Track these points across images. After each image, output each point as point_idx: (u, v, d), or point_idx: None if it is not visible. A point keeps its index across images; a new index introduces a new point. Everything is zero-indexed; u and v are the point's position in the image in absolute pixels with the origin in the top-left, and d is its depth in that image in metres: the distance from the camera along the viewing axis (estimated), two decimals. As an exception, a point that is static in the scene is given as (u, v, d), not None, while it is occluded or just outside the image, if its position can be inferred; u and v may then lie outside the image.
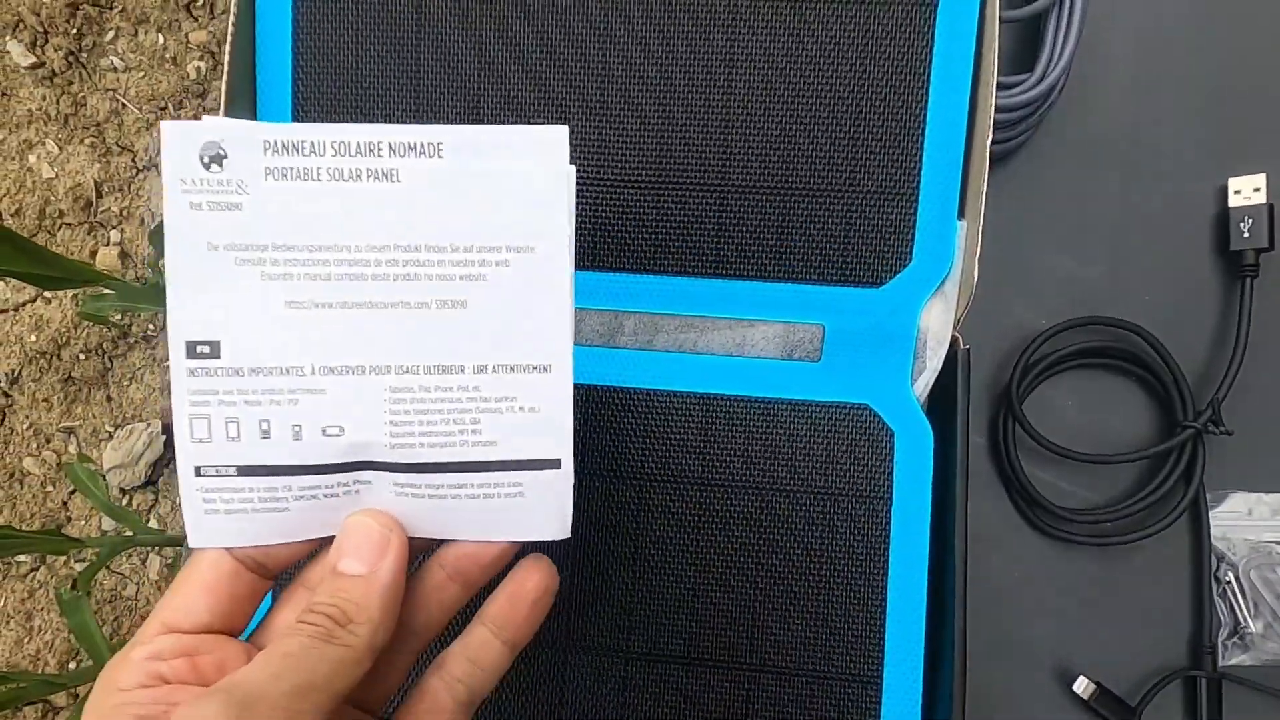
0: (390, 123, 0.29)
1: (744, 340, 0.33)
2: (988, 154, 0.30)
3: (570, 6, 0.32)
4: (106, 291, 0.88)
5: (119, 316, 0.97)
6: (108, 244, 1.04)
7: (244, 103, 0.33)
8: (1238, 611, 0.33)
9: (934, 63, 0.31)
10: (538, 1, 0.32)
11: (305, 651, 0.19)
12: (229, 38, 0.32)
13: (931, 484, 0.32)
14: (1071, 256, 0.36)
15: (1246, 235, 0.34)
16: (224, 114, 0.31)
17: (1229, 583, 0.33)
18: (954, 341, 0.32)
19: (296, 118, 0.33)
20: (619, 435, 0.33)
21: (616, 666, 0.33)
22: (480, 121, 0.33)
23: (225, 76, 0.32)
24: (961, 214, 0.31)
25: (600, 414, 0.33)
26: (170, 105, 1.02)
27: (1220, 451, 0.34)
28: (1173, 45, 0.37)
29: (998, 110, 0.34)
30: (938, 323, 0.32)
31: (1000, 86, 0.35)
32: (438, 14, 0.32)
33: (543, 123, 0.32)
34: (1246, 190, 0.35)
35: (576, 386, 0.33)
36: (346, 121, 0.33)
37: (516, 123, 0.33)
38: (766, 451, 0.33)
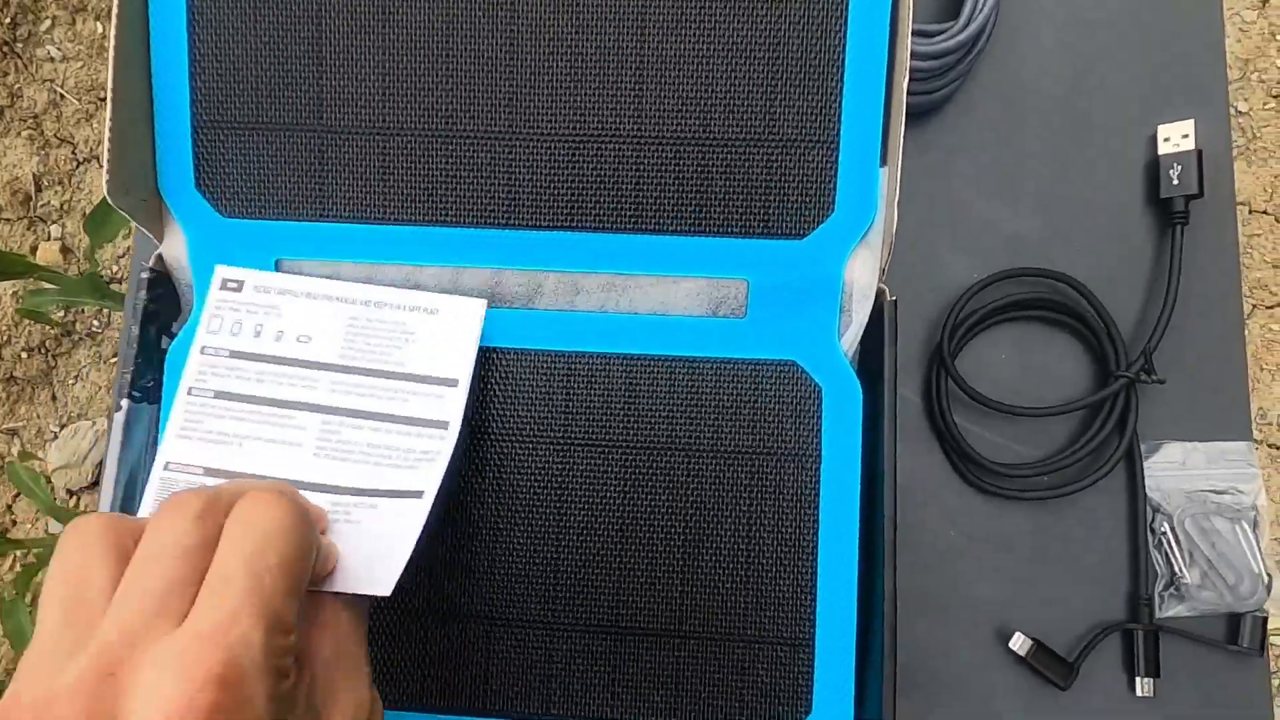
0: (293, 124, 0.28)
1: (668, 298, 0.32)
2: (905, 99, 0.29)
3: (476, -46, 0.31)
4: (48, 287, 0.85)
5: (61, 313, 0.95)
6: (48, 239, 1.01)
7: (139, 113, 0.31)
8: (1174, 562, 0.32)
9: (850, 6, 0.30)
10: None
11: None
12: (112, 44, 0.30)
13: (861, 441, 0.31)
14: (1004, 208, 0.35)
15: (1176, 182, 0.34)
16: (109, 133, 0.29)
17: (1164, 533, 0.32)
18: (880, 293, 0.31)
19: (195, 126, 0.32)
20: (540, 400, 0.32)
21: (542, 639, 0.31)
22: (389, 88, 0.32)
23: (111, 83, 0.30)
24: (884, 161, 0.31)
25: (520, 378, 0.32)
26: (111, 96, 0.99)
27: (1154, 401, 0.34)
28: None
29: (923, 58, 0.34)
30: (863, 274, 0.31)
31: (924, 34, 0.34)
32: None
33: (453, 86, 0.31)
34: (1175, 137, 0.34)
35: (498, 350, 0.32)
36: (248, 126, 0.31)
37: (420, 92, 0.31)
38: (692, 412, 0.32)
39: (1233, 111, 0.88)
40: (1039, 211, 0.35)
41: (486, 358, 0.32)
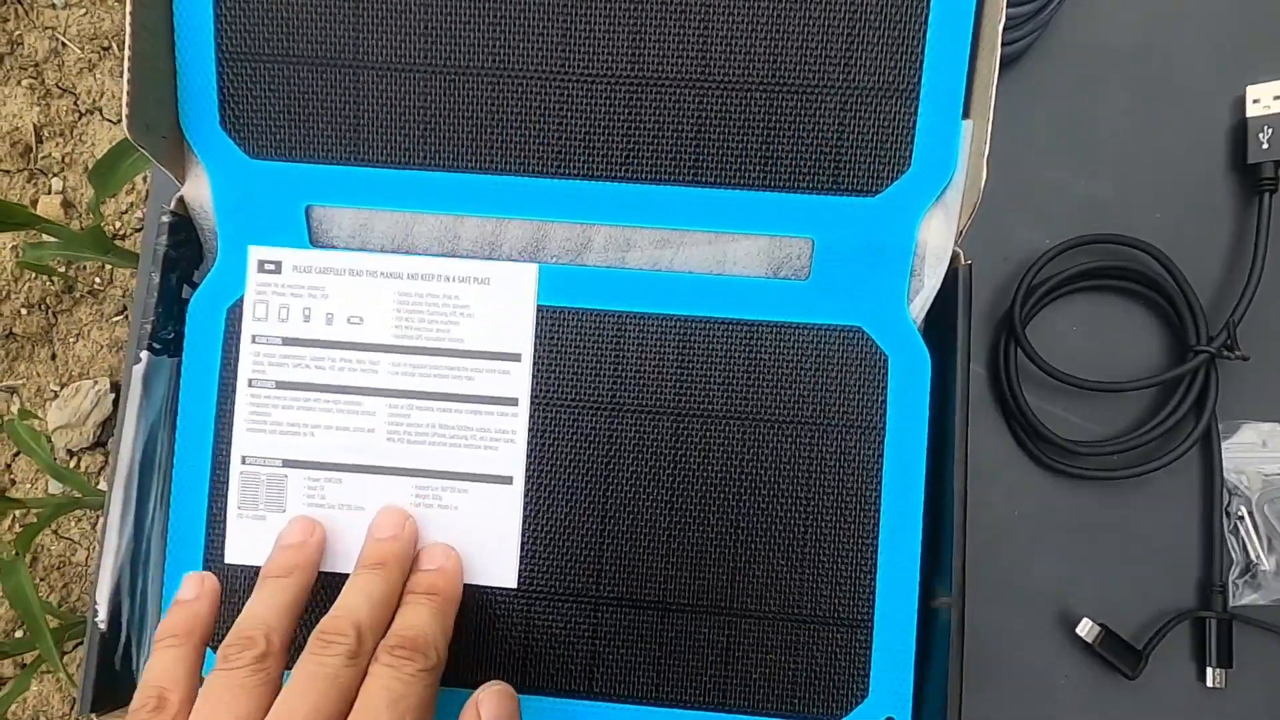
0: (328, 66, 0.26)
1: (725, 256, 0.30)
2: (998, 44, 0.27)
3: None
4: (49, 240, 0.83)
5: (63, 268, 0.92)
6: (49, 192, 0.98)
7: (161, 43, 0.29)
8: (1250, 549, 0.30)
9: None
10: None
11: None
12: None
13: (928, 414, 0.29)
14: (1079, 171, 0.33)
15: (1265, 147, 0.32)
16: (128, 63, 0.27)
17: (1241, 519, 0.30)
18: (955, 257, 0.29)
19: (220, 59, 0.29)
20: (587, 362, 0.30)
21: (586, 613, 0.30)
22: (430, 21, 0.29)
23: (130, 7, 0.27)
24: (967, 113, 0.28)
25: (567, 338, 0.30)
26: (115, 44, 0.96)
27: (1234, 379, 0.32)
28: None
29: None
30: (938, 236, 0.29)
31: (1004, -20, 0.32)
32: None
33: (501, 21, 0.29)
34: (1266, 99, 0.32)
35: (542, 308, 0.30)
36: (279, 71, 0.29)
37: (464, 26, 0.29)
38: (749, 378, 0.30)
39: None
40: (1116, 175, 0.33)
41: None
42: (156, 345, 0.30)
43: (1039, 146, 0.34)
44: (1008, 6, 0.31)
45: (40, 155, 0.95)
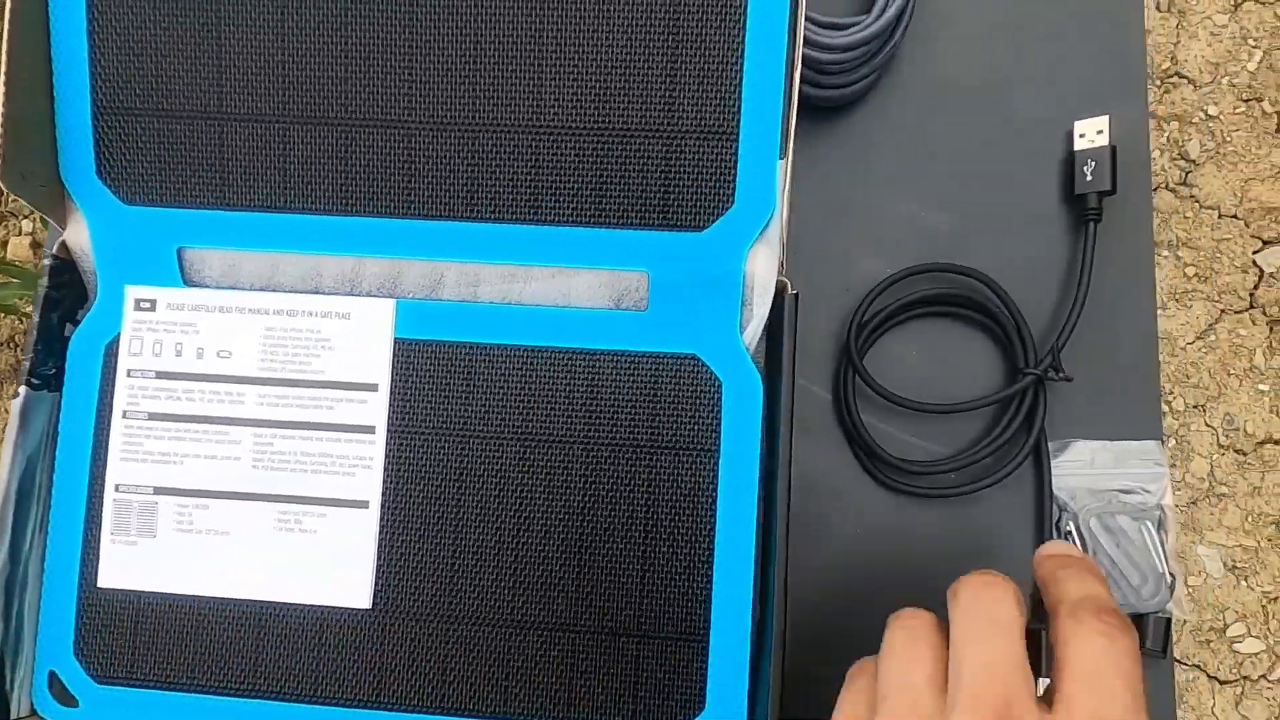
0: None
1: (568, 289, 0.32)
2: (796, 93, 0.29)
3: (376, -58, 0.31)
4: (11, 280, 0.85)
5: (29, 307, 0.95)
6: (19, 234, 1.01)
7: (39, 97, 0.31)
8: None
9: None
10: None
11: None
12: (6, 26, 0.30)
13: (760, 436, 0.31)
14: (920, 204, 0.35)
15: (1089, 179, 0.33)
16: (2, 119, 0.29)
17: (1070, 532, 0.32)
18: (781, 287, 0.31)
19: (96, 112, 0.32)
20: (441, 391, 0.32)
21: (438, 631, 0.31)
22: (290, 77, 0.31)
23: (5, 67, 0.29)
24: (784, 153, 0.30)
25: (421, 369, 0.32)
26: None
27: (1064, 400, 0.33)
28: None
29: (836, 50, 0.33)
30: (763, 268, 0.31)
31: (837, 27, 0.34)
32: (238, -49, 0.31)
33: (349, 73, 0.31)
34: (1090, 133, 0.34)
35: (398, 341, 0.32)
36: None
37: (317, 79, 0.31)
38: (591, 405, 0.31)
39: (1202, 115, 0.88)
40: (955, 208, 0.35)
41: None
42: (35, 381, 0.32)
43: (883, 181, 0.35)
44: (840, 51, 0.34)
45: (9, 199, 0.98)
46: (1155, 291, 0.34)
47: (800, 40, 0.28)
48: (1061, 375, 0.32)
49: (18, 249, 0.96)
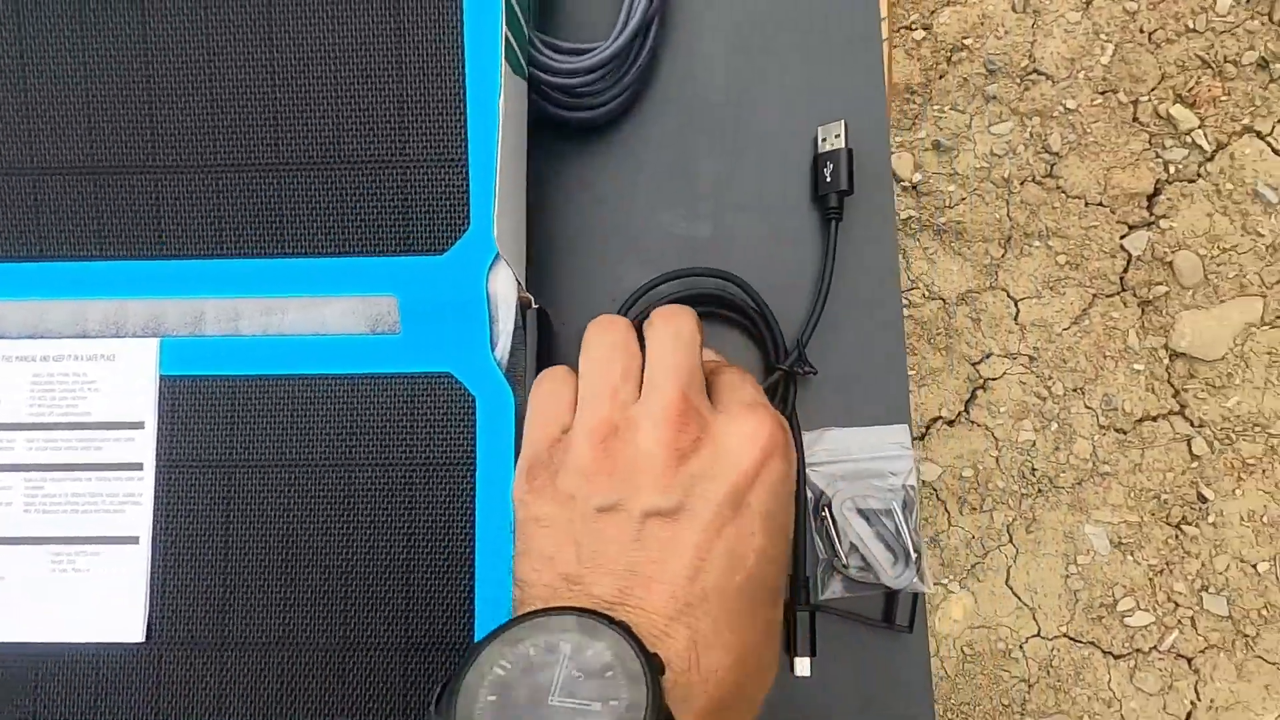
0: None
1: (324, 318, 0.33)
2: (499, 115, 0.30)
3: (112, 14, 0.32)
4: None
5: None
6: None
7: None
8: (833, 544, 0.33)
9: (466, 23, 0.31)
10: (77, 8, 0.32)
11: None
12: None
13: (514, 447, 0.32)
14: (680, 215, 0.37)
15: (829, 180, 0.35)
16: None
17: (824, 517, 0.33)
18: (524, 303, 0.32)
19: None
20: (206, 425, 0.33)
21: (212, 658, 0.32)
22: (34, 129, 0.32)
23: None
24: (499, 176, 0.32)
25: (187, 404, 0.33)
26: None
27: (818, 390, 0.35)
28: (760, 8, 0.38)
29: (575, 75, 0.35)
30: (505, 286, 0.32)
31: (577, 52, 0.35)
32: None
33: (93, 123, 0.32)
34: (830, 137, 0.36)
35: (164, 378, 0.33)
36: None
37: (64, 130, 0.32)
38: (352, 427, 0.32)
39: (1062, 109, 0.91)
40: (714, 216, 0.37)
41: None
42: None
43: (643, 195, 0.37)
44: (581, 75, 0.35)
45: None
46: (900, 282, 0.35)
47: (506, 71, 0.30)
48: (807, 369, 0.34)
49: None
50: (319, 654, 0.32)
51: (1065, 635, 0.83)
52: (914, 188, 0.89)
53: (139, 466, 0.33)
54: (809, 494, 0.34)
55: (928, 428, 0.88)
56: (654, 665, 0.21)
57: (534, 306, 0.32)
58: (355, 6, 0.32)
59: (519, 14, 0.34)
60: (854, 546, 0.33)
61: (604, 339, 0.29)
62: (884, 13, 0.38)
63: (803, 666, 0.33)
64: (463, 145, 0.32)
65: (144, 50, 0.32)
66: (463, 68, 0.31)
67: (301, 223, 0.32)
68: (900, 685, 0.33)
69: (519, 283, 0.32)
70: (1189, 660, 0.84)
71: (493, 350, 0.33)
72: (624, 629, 0.22)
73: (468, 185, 0.32)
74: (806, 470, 0.34)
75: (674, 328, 0.28)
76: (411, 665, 0.32)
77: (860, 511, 0.34)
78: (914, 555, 0.33)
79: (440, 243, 0.32)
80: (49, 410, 0.33)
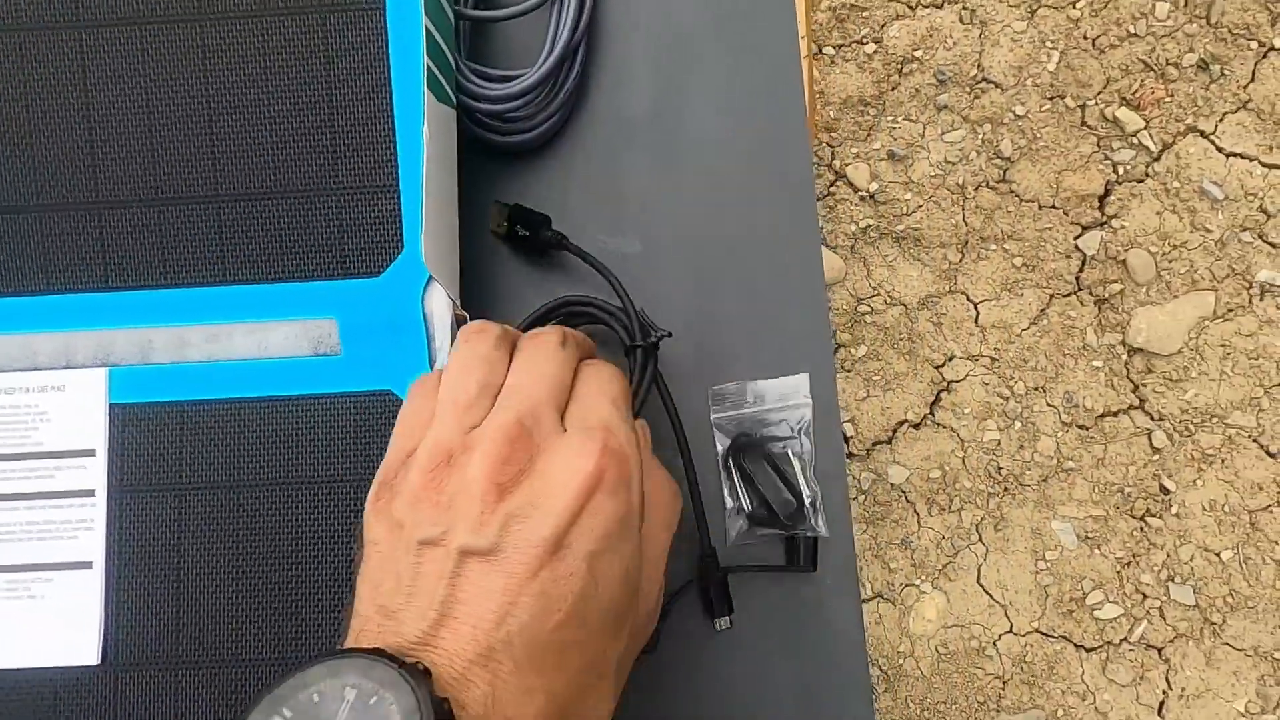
0: None
1: (267, 343, 0.34)
2: (423, 142, 0.31)
3: (53, 57, 0.33)
4: None
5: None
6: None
7: None
8: (739, 495, 0.35)
9: (391, 60, 0.33)
10: (22, 53, 0.33)
11: None
12: None
13: (455, 459, 0.33)
14: (610, 231, 0.38)
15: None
16: None
17: (729, 469, 0.35)
18: (459, 320, 0.34)
19: None
20: (156, 450, 0.34)
21: (168, 679, 0.33)
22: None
23: None
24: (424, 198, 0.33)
25: (137, 431, 0.34)
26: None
27: (732, 346, 0.37)
28: (685, 28, 0.40)
29: (503, 101, 0.36)
30: (439, 304, 0.34)
31: (505, 79, 0.37)
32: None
33: (35, 162, 0.33)
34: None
35: (114, 405, 0.34)
36: None
37: (8, 169, 0.33)
38: (298, 447, 0.34)
39: (1012, 116, 0.94)
40: (641, 231, 0.38)
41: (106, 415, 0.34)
42: None
43: (575, 212, 0.39)
44: (509, 101, 0.37)
45: None
46: (820, 246, 0.37)
47: (429, 99, 0.31)
48: (659, 334, 0.34)
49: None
50: (272, 670, 0.33)
51: (1037, 631, 0.85)
52: (871, 197, 0.91)
53: (91, 493, 0.34)
54: (717, 445, 0.35)
55: (894, 431, 0.89)
56: (442, 713, 0.20)
57: (469, 322, 0.34)
58: (286, 46, 0.33)
59: (443, 45, 0.35)
60: (757, 494, 0.35)
61: (467, 350, 0.27)
62: (803, 29, 0.40)
63: (722, 624, 0.34)
64: (393, 172, 0.33)
65: (84, 89, 0.33)
66: (390, 100, 0.33)
67: (242, 251, 0.34)
68: (810, 622, 0.35)
69: (453, 300, 0.33)
70: (1159, 650, 0.85)
71: (431, 367, 0.34)
72: (415, 674, 0.21)
73: (399, 210, 0.33)
74: (712, 420, 0.36)
75: (537, 343, 0.27)
76: (360, 675, 0.33)
77: (764, 458, 0.35)
78: (809, 497, 0.34)
79: (375, 265, 0.33)
80: (2, 442, 0.34)
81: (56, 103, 0.33)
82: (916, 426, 0.90)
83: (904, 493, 0.87)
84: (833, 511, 0.36)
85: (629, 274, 0.38)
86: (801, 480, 0.34)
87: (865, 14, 0.92)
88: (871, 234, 0.91)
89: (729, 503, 0.35)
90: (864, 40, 0.92)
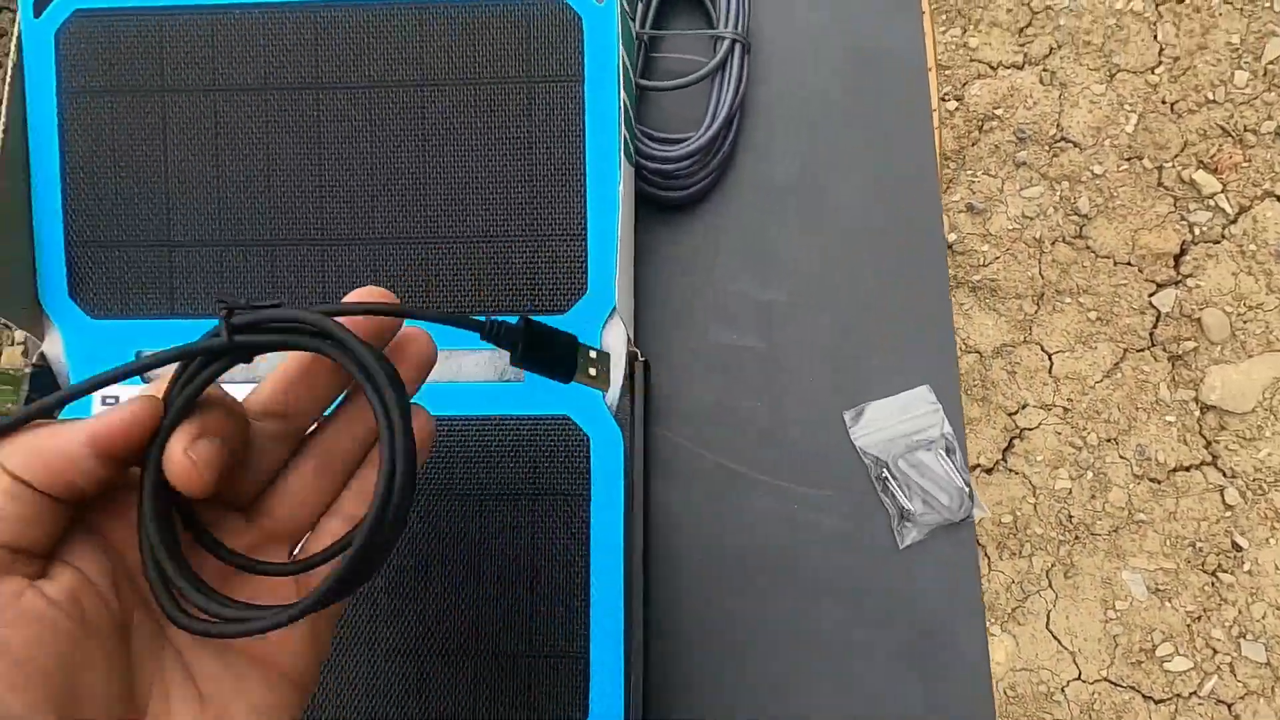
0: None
1: (459, 368, 0.39)
2: (628, 200, 0.36)
3: (290, 115, 0.38)
4: (4, 387, 0.92)
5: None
6: (12, 344, 1.08)
7: (21, 237, 0.38)
8: (899, 499, 0.38)
9: (587, 124, 0.37)
10: (263, 111, 0.38)
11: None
12: None
13: (624, 480, 0.37)
14: (758, 283, 0.42)
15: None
16: None
17: (886, 478, 0.38)
18: (632, 356, 0.38)
19: (67, 245, 0.39)
20: (357, 458, 0.38)
21: (363, 661, 0.37)
22: (222, 211, 0.39)
23: None
24: (620, 249, 0.37)
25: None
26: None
27: (856, 367, 0.40)
28: (829, 102, 0.44)
29: (672, 162, 0.41)
30: (616, 341, 0.38)
31: (673, 141, 0.41)
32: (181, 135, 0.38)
33: (271, 205, 0.38)
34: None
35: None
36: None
37: (246, 210, 0.38)
38: (482, 462, 0.38)
39: (1090, 174, 0.97)
40: (789, 283, 0.42)
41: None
42: (18, 469, 0.38)
43: (726, 264, 0.43)
44: (676, 161, 0.41)
45: (2, 310, 1.05)
46: (946, 272, 0.41)
47: (622, 160, 0.36)
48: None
49: (12, 357, 1.02)
50: (452, 660, 0.37)
51: (1106, 679, 0.86)
52: (950, 247, 0.94)
53: (300, 495, 0.38)
54: (866, 460, 0.39)
55: (966, 476, 0.91)
56: None
57: (641, 359, 0.38)
58: (494, 110, 0.38)
59: (631, 113, 0.40)
60: (916, 495, 0.38)
61: None
62: (934, 102, 0.44)
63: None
64: (583, 223, 0.37)
65: (319, 142, 0.38)
66: (583, 158, 0.37)
67: (445, 287, 0.38)
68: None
69: (629, 337, 0.38)
70: (1229, 706, 0.85)
71: (604, 397, 0.38)
72: None
73: (586, 255, 0.38)
74: (857, 443, 0.39)
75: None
76: (534, 670, 0.36)
77: (913, 466, 0.38)
78: (966, 489, 0.38)
79: (562, 303, 0.38)
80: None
81: (296, 154, 0.38)
82: (989, 471, 0.92)
83: (975, 536, 0.89)
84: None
85: (775, 320, 0.42)
86: (954, 476, 0.38)
87: (948, 72, 0.96)
88: (949, 283, 0.94)
89: (891, 511, 0.39)
90: (946, 98, 0.96)
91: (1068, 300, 0.94)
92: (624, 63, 0.37)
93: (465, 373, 0.38)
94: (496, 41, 0.37)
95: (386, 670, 0.37)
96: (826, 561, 0.38)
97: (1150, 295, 0.94)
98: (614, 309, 0.37)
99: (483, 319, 0.30)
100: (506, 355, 0.38)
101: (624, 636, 0.36)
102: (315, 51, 0.38)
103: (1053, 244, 0.94)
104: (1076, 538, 0.88)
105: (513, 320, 0.31)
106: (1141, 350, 0.94)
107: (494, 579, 0.37)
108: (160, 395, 0.25)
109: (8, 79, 0.38)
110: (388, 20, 0.38)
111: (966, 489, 0.38)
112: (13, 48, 0.38)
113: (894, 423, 0.39)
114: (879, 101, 0.44)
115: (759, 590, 0.39)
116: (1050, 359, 0.93)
